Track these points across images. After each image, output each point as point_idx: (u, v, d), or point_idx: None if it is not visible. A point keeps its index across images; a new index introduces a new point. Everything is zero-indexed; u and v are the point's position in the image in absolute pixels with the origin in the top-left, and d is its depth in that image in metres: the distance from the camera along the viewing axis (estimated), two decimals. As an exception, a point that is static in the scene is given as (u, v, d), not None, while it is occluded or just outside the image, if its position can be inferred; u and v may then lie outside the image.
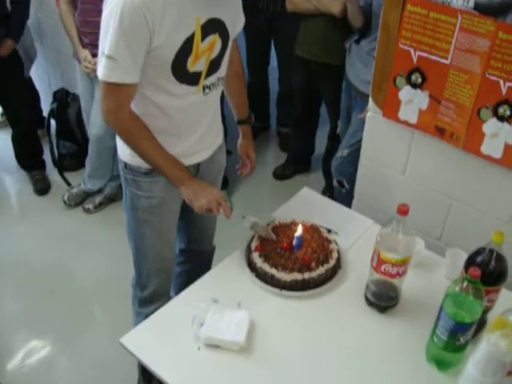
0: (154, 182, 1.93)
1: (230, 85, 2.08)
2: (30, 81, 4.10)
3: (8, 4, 3.31)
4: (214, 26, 1.74)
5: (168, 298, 2.29)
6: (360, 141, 2.30)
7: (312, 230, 1.91)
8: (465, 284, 1.42)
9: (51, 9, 3.70)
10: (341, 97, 3.13)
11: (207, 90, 1.84)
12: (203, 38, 1.71)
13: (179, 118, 1.83)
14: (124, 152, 1.93)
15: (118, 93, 1.68)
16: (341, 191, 2.94)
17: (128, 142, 1.80)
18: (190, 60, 1.71)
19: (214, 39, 1.76)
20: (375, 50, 2.06)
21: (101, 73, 1.65)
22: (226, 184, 3.66)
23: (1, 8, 3.25)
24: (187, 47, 1.68)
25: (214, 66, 1.82)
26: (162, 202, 1.99)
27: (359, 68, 2.75)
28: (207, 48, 1.75)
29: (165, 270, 2.21)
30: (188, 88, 1.77)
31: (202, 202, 1.86)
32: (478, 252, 1.57)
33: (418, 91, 1.90)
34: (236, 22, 1.90)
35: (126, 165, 1.94)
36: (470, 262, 1.56)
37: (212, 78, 1.84)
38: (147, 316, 2.15)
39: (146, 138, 1.78)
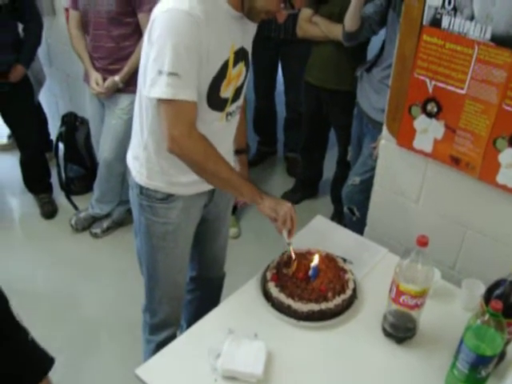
0: (170, 208, 1.93)
1: None
2: (38, 104, 4.12)
3: (20, 30, 3.34)
4: (242, 55, 1.78)
5: (178, 326, 2.28)
6: (372, 169, 2.31)
7: (328, 259, 1.90)
8: (486, 317, 1.41)
9: (61, 33, 3.74)
10: (350, 123, 3.13)
11: (229, 117, 1.87)
12: (234, 64, 1.74)
13: None
14: (140, 176, 1.91)
15: (187, 113, 1.62)
16: (351, 219, 2.93)
17: (203, 164, 1.70)
18: (223, 85, 1.73)
19: (241, 67, 1.80)
20: (388, 78, 2.07)
21: (165, 93, 1.57)
22: (234, 209, 3.65)
23: (13, 34, 3.28)
24: (223, 72, 1.70)
25: (238, 93, 1.84)
26: (178, 228, 1.98)
27: (371, 96, 2.76)
28: (236, 75, 1.78)
29: (177, 297, 2.19)
30: (215, 114, 1.79)
31: (281, 214, 1.81)
32: (498, 284, 1.55)
33: (434, 120, 1.90)
34: (250, 55, 1.92)
35: (141, 190, 1.92)
36: (490, 294, 1.54)
37: (234, 106, 1.86)
38: (157, 344, 2.18)
39: (221, 157, 1.72)
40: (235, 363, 1.56)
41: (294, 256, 1.86)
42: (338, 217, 3.43)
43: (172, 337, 2.19)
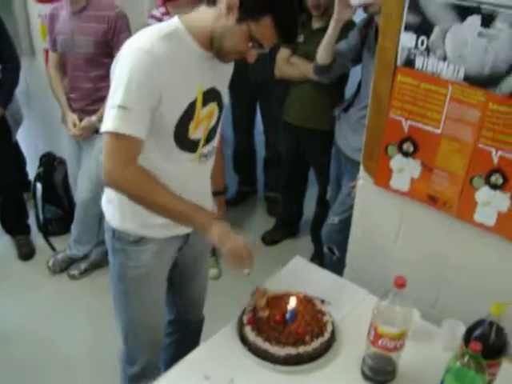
0: (142, 251, 1.89)
1: None
2: (16, 145, 4.08)
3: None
4: (213, 95, 1.77)
5: (156, 375, 2.20)
6: (350, 208, 2.29)
7: (305, 301, 1.87)
8: (466, 358, 1.39)
9: (39, 73, 3.74)
10: (329, 162, 3.14)
11: (203, 159, 1.85)
12: (204, 104, 1.73)
13: (174, 183, 1.76)
14: (113, 219, 1.89)
15: (127, 148, 1.60)
16: (331, 258, 2.90)
17: (140, 197, 1.67)
18: (191, 126, 1.71)
19: (213, 107, 1.78)
20: (365, 118, 2.08)
21: (110, 124, 1.56)
22: (215, 249, 3.61)
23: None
24: (189, 113, 1.69)
25: (210, 134, 1.83)
26: (151, 271, 1.94)
27: (349, 135, 2.76)
28: (207, 116, 1.76)
29: (155, 343, 2.14)
30: (186, 155, 1.77)
31: (227, 245, 1.68)
32: (478, 324, 1.54)
33: (410, 160, 1.91)
34: (226, 96, 1.91)
35: (114, 233, 1.89)
36: (470, 335, 1.52)
37: (208, 147, 1.85)
38: None
39: (161, 188, 1.67)
40: (210, 411, 1.51)
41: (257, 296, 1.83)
42: (319, 256, 3.40)
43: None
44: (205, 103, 1.73)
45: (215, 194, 2.16)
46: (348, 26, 2.69)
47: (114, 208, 1.87)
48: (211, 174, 2.09)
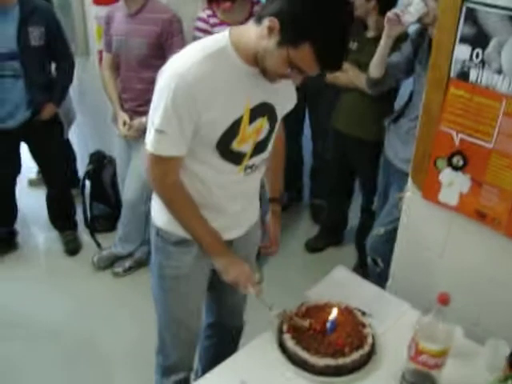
0: (183, 253, 1.92)
1: (269, 162, 2.05)
2: (67, 142, 4.18)
3: (53, 69, 3.41)
4: (262, 110, 1.75)
5: (190, 370, 2.25)
6: (397, 219, 2.26)
7: (346, 312, 1.85)
8: (509, 381, 1.35)
9: (93, 73, 3.82)
10: (374, 173, 3.13)
11: (249, 170, 1.84)
12: (251, 121, 1.72)
13: (218, 193, 1.83)
14: (158, 218, 1.93)
15: (164, 164, 1.71)
16: (375, 269, 2.87)
17: (170, 208, 1.81)
18: (235, 142, 1.71)
19: (262, 122, 1.76)
20: (414, 129, 2.05)
21: (149, 145, 1.68)
22: (257, 255, 3.62)
23: (46, 73, 3.35)
24: (233, 130, 1.69)
25: (259, 147, 1.82)
26: (190, 273, 1.97)
27: (398, 146, 2.73)
28: (254, 131, 1.75)
29: (188, 341, 2.17)
30: (231, 166, 1.78)
31: (231, 275, 1.86)
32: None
33: (460, 174, 1.87)
34: (286, 105, 1.90)
35: (158, 231, 1.94)
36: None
37: (256, 159, 1.84)
38: None
39: (189, 207, 1.80)
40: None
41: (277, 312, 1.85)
42: (362, 266, 3.36)
43: (184, 381, 2.19)
44: (252, 119, 1.72)
45: (271, 200, 2.17)
46: (401, 37, 2.66)
47: (160, 207, 1.89)
48: (269, 179, 2.14)
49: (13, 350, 3.03)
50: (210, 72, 1.60)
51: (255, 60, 1.61)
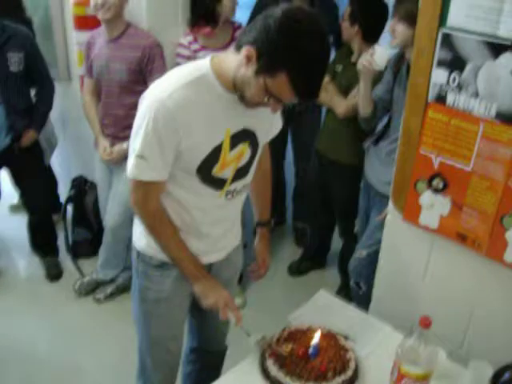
0: (164, 276, 1.92)
1: (256, 185, 2.06)
2: (49, 167, 4.15)
3: (32, 96, 3.40)
4: (244, 136, 1.75)
5: None
6: (378, 242, 2.27)
7: (329, 337, 1.84)
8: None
9: (75, 98, 3.81)
10: (351, 196, 3.13)
11: (230, 196, 1.84)
12: (232, 147, 1.72)
13: (199, 217, 1.83)
14: (139, 240, 1.93)
15: (145, 188, 1.72)
16: (358, 292, 2.87)
17: (151, 232, 1.81)
18: (216, 168, 1.72)
19: (243, 148, 1.77)
20: (394, 152, 2.07)
21: (130, 171, 1.68)
22: (240, 278, 3.60)
23: (26, 100, 3.34)
24: (214, 156, 1.69)
25: (240, 173, 1.82)
26: (171, 296, 1.96)
27: (378, 169, 2.75)
28: (235, 157, 1.76)
29: (170, 364, 2.15)
30: (211, 191, 1.78)
31: (210, 300, 1.85)
32: (506, 369, 1.49)
33: (440, 196, 1.88)
34: (269, 130, 1.91)
35: (138, 254, 1.94)
36: (497, 380, 1.48)
37: (237, 184, 1.84)
38: None
39: (169, 233, 1.80)
40: None
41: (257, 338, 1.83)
42: (346, 289, 3.36)
43: None
44: (233, 145, 1.73)
45: (259, 224, 2.16)
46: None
47: (141, 231, 1.90)
48: (258, 204, 2.14)
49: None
50: (191, 98, 1.61)
51: (235, 87, 1.62)
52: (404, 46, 2.48)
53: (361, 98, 2.72)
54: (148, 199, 1.75)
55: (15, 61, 3.14)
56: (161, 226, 1.79)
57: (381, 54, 2.51)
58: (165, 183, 1.73)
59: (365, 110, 2.74)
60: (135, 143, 1.65)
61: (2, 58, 3.09)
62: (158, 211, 1.78)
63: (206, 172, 1.71)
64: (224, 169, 1.74)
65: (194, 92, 1.62)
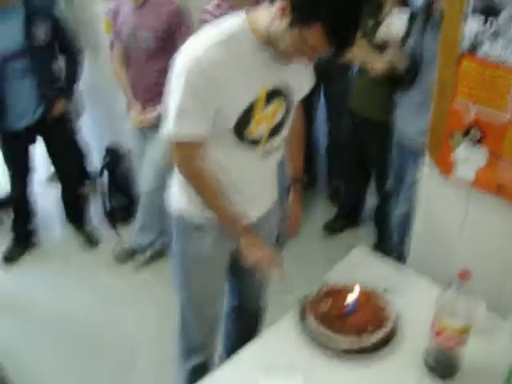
0: (203, 238, 1.96)
1: (288, 143, 2.06)
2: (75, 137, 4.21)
3: (62, 65, 3.44)
4: (279, 92, 1.76)
5: (210, 356, 2.29)
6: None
7: (367, 292, 1.85)
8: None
9: (106, 66, 3.82)
10: (386, 152, 3.10)
11: (266, 153, 1.86)
12: (267, 103, 1.73)
13: (236, 176, 1.85)
14: (178, 202, 1.97)
15: (187, 148, 1.76)
16: (400, 247, 2.84)
17: (197, 191, 1.85)
18: (252, 124, 1.73)
19: (278, 105, 1.78)
20: (426, 101, 2.02)
21: (171, 127, 1.70)
22: (276, 238, 3.62)
23: (54, 69, 3.39)
24: (250, 112, 1.70)
25: (276, 129, 1.83)
26: (210, 256, 2.01)
27: (410, 119, 2.70)
28: (270, 114, 1.76)
29: (207, 323, 2.21)
30: (248, 149, 1.79)
31: (254, 257, 1.90)
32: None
33: (476, 148, 1.85)
34: (303, 87, 1.91)
35: (177, 217, 1.98)
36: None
37: (273, 141, 1.85)
38: (188, 370, 2.25)
39: (215, 191, 1.84)
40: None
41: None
42: (381, 245, 3.35)
43: (202, 364, 2.23)
44: (268, 102, 1.73)
45: (292, 180, 2.18)
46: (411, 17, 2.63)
47: (180, 192, 1.94)
48: (290, 159, 2.15)
49: (35, 343, 3.08)
50: (227, 55, 1.62)
51: (270, 42, 1.62)
52: None
53: (394, 59, 2.68)
54: (190, 159, 1.78)
55: (42, 31, 3.18)
56: (207, 185, 1.82)
57: (396, 23, 2.46)
58: (205, 142, 1.74)
59: (401, 66, 2.69)
60: (173, 102, 1.67)
61: (28, 29, 3.13)
62: (202, 171, 1.80)
63: (242, 129, 1.72)
64: (259, 125, 1.75)
65: (229, 48, 1.63)
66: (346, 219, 3.98)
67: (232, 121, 1.70)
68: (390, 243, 2.92)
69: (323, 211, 4.19)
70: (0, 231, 3.98)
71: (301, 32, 1.52)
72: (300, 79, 1.87)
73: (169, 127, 1.71)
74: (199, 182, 1.83)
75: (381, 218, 3.13)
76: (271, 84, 1.72)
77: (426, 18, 2.58)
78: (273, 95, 1.74)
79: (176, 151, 1.78)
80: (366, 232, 3.80)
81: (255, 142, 1.79)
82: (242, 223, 1.90)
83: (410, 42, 2.67)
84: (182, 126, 1.68)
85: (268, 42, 1.63)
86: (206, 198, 1.85)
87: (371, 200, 3.71)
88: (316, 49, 1.56)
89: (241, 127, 1.72)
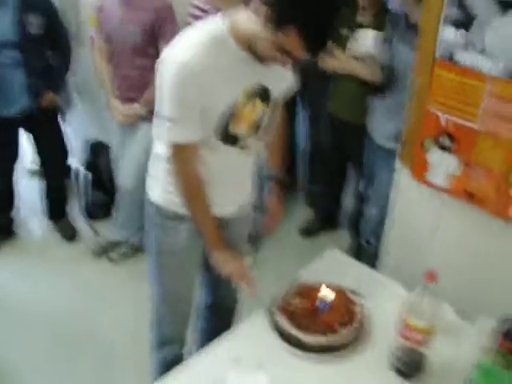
0: (179, 229, 1.99)
1: (270, 144, 2.11)
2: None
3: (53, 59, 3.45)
4: (258, 92, 1.79)
5: (182, 345, 2.31)
6: (387, 198, 2.28)
7: (337, 292, 1.88)
8: (496, 356, 1.39)
9: (88, 62, 3.82)
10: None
11: (246, 151, 1.90)
12: (247, 103, 1.76)
13: (214, 171, 1.88)
14: (156, 193, 2.00)
15: (183, 152, 1.79)
16: (370, 251, 2.88)
17: (185, 197, 1.88)
18: (232, 123, 1.77)
19: (257, 104, 1.81)
20: (399, 106, 2.06)
21: (166, 137, 1.76)
22: (252, 239, 3.64)
23: (44, 62, 3.39)
24: (231, 112, 1.74)
25: (255, 129, 1.87)
26: (185, 248, 2.04)
27: (382, 123, 2.75)
28: (250, 113, 1.80)
29: (183, 314, 2.24)
30: (227, 147, 1.83)
31: (226, 270, 1.95)
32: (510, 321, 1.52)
33: (447, 154, 1.90)
34: (282, 88, 1.94)
35: (154, 207, 2.01)
36: (503, 334, 1.51)
37: (251, 140, 1.89)
38: (161, 361, 2.26)
39: (201, 199, 1.88)
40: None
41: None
42: (355, 249, 3.39)
43: (175, 356, 2.25)
44: (248, 102, 1.77)
45: (271, 178, 2.19)
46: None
47: (158, 183, 1.97)
48: (270, 157, 2.19)
49: (10, 336, 3.07)
50: (212, 58, 1.65)
51: (249, 45, 1.65)
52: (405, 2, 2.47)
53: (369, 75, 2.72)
54: (187, 163, 1.82)
55: (35, 24, 3.20)
56: (195, 192, 1.87)
57: (364, 38, 2.49)
58: (198, 144, 1.78)
59: (376, 79, 2.73)
60: (163, 108, 1.71)
61: (21, 21, 3.15)
62: (194, 177, 1.85)
63: (222, 128, 1.76)
64: (240, 124, 1.79)
65: (213, 51, 1.66)
66: (322, 222, 4.02)
67: (213, 121, 1.74)
68: (364, 246, 2.95)
69: (301, 214, 4.22)
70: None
71: (276, 36, 1.54)
72: (280, 81, 1.91)
73: (164, 138, 1.77)
74: (190, 188, 1.86)
75: (356, 223, 3.16)
76: (250, 84, 1.75)
77: (394, 26, 2.62)
78: (252, 95, 1.77)
79: (172, 158, 1.81)
80: (342, 235, 3.83)
81: (234, 141, 1.83)
82: (219, 236, 1.94)
83: (383, 55, 2.71)
84: (174, 133, 1.73)
85: (247, 44, 1.66)
86: (190, 205, 1.88)
87: (349, 203, 3.74)
88: (292, 53, 1.58)
89: (221, 127, 1.76)
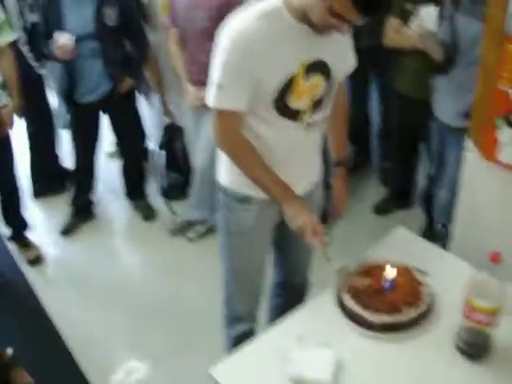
0: (247, 210, 2.03)
1: (332, 124, 2.11)
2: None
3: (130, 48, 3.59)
4: (318, 67, 1.81)
5: (254, 322, 2.37)
6: (457, 180, 2.25)
7: (404, 271, 1.88)
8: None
9: (160, 48, 3.94)
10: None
11: (309, 128, 1.91)
12: (307, 78, 1.78)
13: (278, 150, 1.90)
14: (224, 177, 2.05)
15: (228, 121, 1.82)
16: (445, 233, 2.83)
17: (236, 163, 1.90)
18: (291, 98, 1.79)
19: (318, 80, 1.83)
20: (466, 81, 2.01)
21: (211, 101, 1.79)
22: (325, 217, 3.65)
23: (122, 51, 3.54)
24: (289, 85, 1.76)
25: (317, 105, 1.87)
26: (253, 229, 2.07)
27: (450, 101, 2.66)
28: (310, 88, 1.81)
29: (252, 293, 2.29)
30: (289, 122, 1.85)
31: (298, 222, 1.85)
32: None
33: (519, 132, 1.85)
34: (342, 65, 1.94)
35: (223, 190, 2.06)
36: None
37: (315, 117, 1.90)
38: (233, 338, 2.33)
39: (254, 159, 1.88)
40: (304, 370, 1.59)
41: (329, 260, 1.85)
42: (428, 229, 3.35)
43: (247, 332, 2.31)
44: (308, 76, 1.78)
45: (336, 163, 2.19)
46: None
47: (225, 167, 2.02)
48: (333, 141, 2.18)
49: (95, 310, 3.27)
50: (266, 29, 1.70)
51: (304, 17, 1.68)
52: None
53: (430, 51, 2.65)
54: (230, 131, 1.85)
55: (111, 16, 3.32)
56: (246, 154, 1.88)
57: (427, 15, 2.42)
58: (244, 115, 1.81)
59: (437, 56, 2.65)
60: (214, 74, 1.76)
61: (99, 14, 3.28)
62: (241, 142, 1.86)
63: (281, 102, 1.79)
64: (299, 99, 1.81)
65: (268, 23, 1.70)
66: (396, 200, 3.98)
67: (271, 94, 1.76)
68: (436, 228, 2.90)
69: (374, 192, 4.19)
70: (61, 202, 4.15)
71: (330, 1, 1.56)
72: (341, 59, 1.91)
73: (209, 98, 1.79)
74: (238, 152, 1.88)
75: (429, 203, 3.11)
76: (309, 58, 1.77)
77: (455, 5, 2.53)
78: (312, 70, 1.79)
79: (215, 124, 1.84)
80: (417, 214, 3.78)
81: (295, 116, 1.84)
82: (286, 188, 1.89)
83: (442, 30, 2.63)
84: (220, 99, 1.76)
85: (302, 17, 1.69)
86: (245, 169, 1.89)
87: (423, 182, 3.68)
88: (345, 17, 1.59)
89: (280, 100, 1.78)
